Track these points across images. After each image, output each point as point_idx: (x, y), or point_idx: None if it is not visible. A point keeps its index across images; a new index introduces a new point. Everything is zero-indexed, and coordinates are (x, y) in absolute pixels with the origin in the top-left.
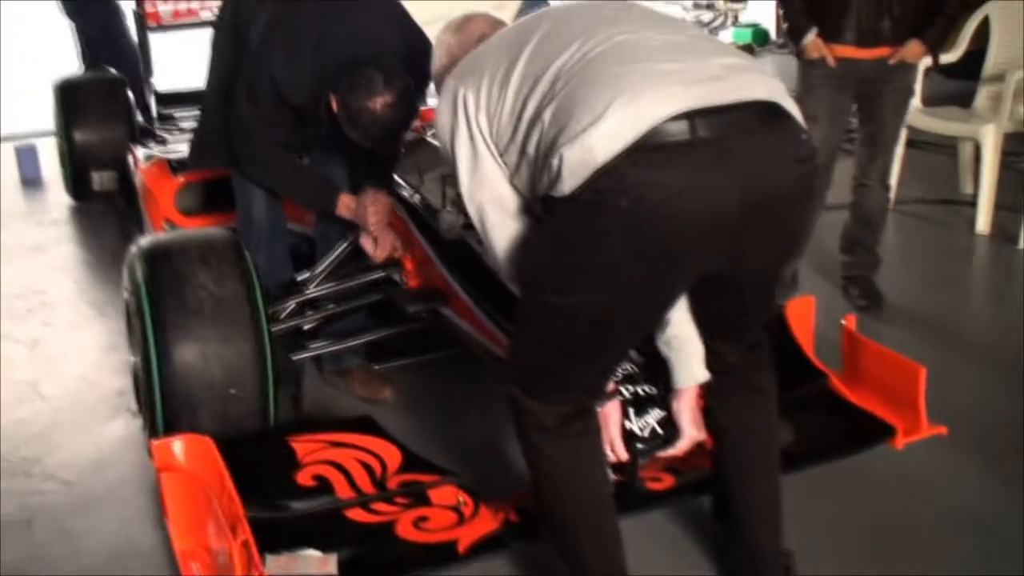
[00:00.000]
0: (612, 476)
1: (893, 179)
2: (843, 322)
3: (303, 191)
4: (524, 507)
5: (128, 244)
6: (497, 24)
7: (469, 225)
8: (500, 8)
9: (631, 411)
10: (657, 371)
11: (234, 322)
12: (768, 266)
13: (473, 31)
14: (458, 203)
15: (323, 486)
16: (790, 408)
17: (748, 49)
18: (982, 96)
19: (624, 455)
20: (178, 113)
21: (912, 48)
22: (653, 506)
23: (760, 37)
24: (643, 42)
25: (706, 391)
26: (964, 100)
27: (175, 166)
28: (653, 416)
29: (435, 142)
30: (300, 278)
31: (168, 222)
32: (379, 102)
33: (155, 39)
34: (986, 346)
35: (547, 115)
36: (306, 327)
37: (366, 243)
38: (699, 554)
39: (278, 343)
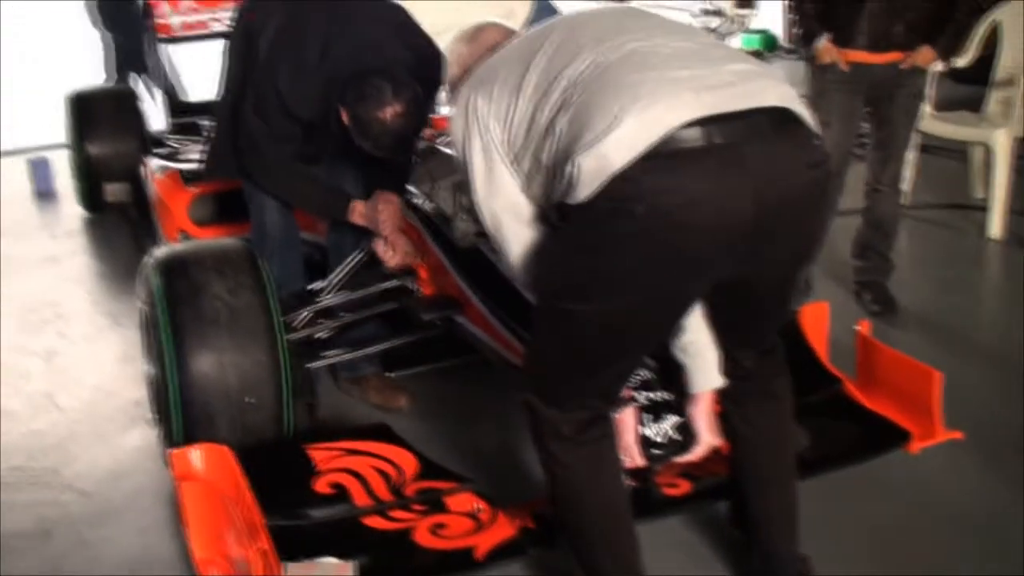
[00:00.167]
0: (628, 482)
1: (905, 184)
2: (857, 327)
3: (315, 201)
4: (541, 513)
5: (141, 255)
6: (509, 33)
7: (482, 233)
8: (510, 17)
9: (647, 417)
10: (673, 377)
11: (250, 331)
12: (783, 271)
13: (486, 40)
14: (471, 211)
15: (340, 494)
16: (805, 414)
17: (757, 55)
18: (993, 101)
19: (640, 461)
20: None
21: (924, 53)
22: (669, 512)
23: (769, 43)
24: (655, 50)
25: (722, 397)
26: (975, 105)
27: (188, 177)
28: (669, 422)
29: (447, 151)
30: (313, 287)
31: (182, 233)
32: (389, 111)
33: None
34: (1000, 350)
35: (561, 123)
36: (321, 336)
37: (379, 248)
38: (716, 559)
39: (293, 352)
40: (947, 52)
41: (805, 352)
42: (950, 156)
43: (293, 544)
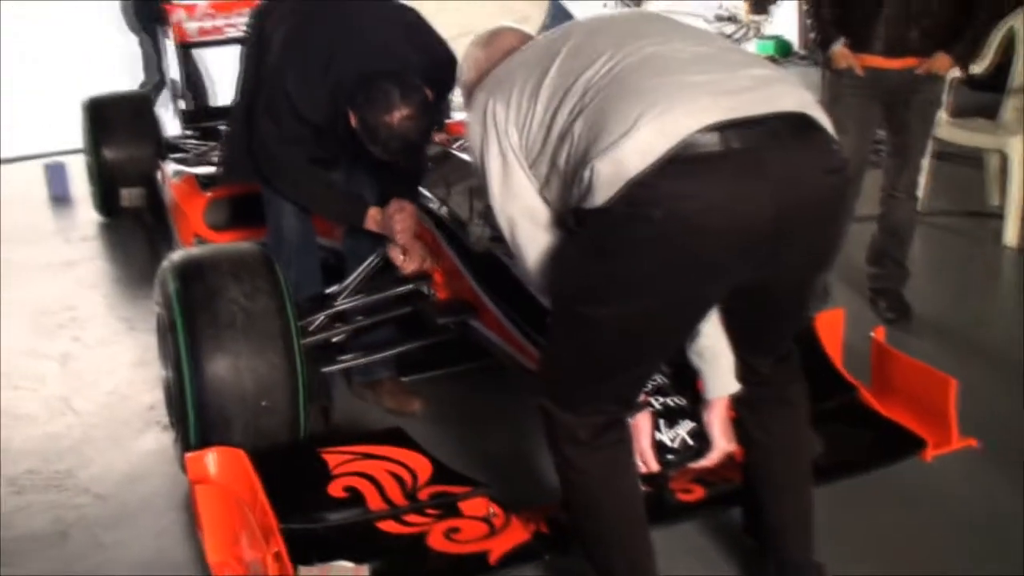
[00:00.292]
0: (642, 487)
1: (920, 191)
2: (873, 334)
3: (331, 206)
4: (555, 518)
5: (156, 260)
6: (526, 38)
7: (497, 237)
8: (524, 22)
9: (662, 422)
10: (687, 382)
11: (266, 335)
12: (801, 277)
13: (502, 45)
14: (486, 215)
15: (354, 497)
16: (820, 420)
17: (771, 61)
18: (1009, 108)
19: (655, 466)
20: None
21: (940, 59)
22: (683, 518)
23: (783, 49)
24: (673, 54)
25: (737, 402)
26: (991, 112)
27: (204, 182)
28: (684, 427)
29: (462, 155)
30: (329, 292)
31: (197, 237)
32: (396, 116)
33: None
34: (1015, 358)
35: (578, 127)
36: (336, 340)
37: (395, 254)
38: (729, 566)
39: (308, 356)
40: (963, 58)
41: (820, 359)
42: (965, 163)
43: (307, 548)
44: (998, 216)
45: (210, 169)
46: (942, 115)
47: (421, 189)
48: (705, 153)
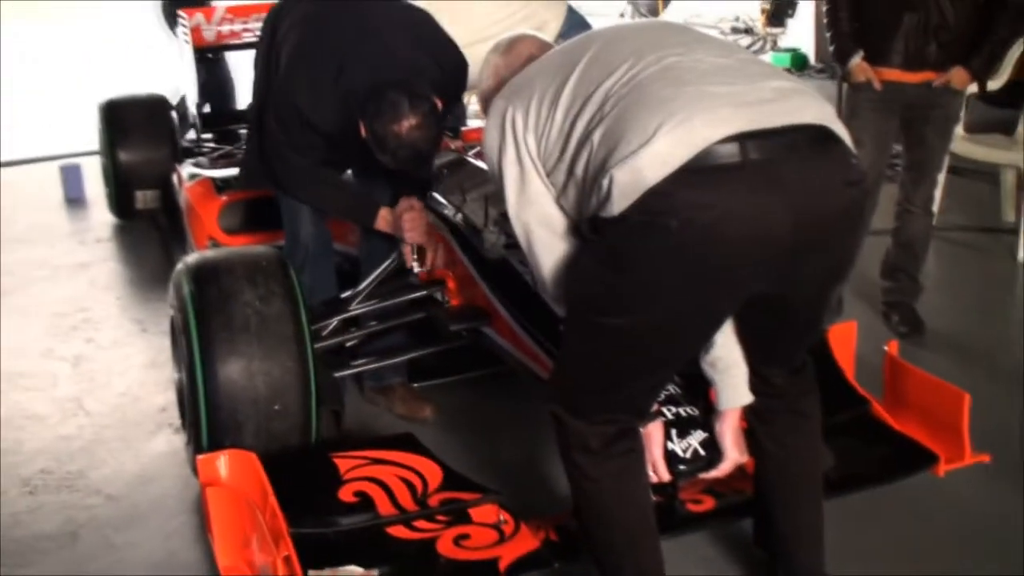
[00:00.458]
0: (653, 497)
1: (935, 206)
2: (886, 348)
3: (342, 206)
4: (565, 526)
5: (170, 262)
6: (545, 46)
7: (512, 244)
8: (542, 30)
9: (673, 432)
10: (700, 392)
11: (279, 339)
12: (817, 289)
13: (521, 52)
14: (500, 222)
15: (365, 502)
16: (832, 434)
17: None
18: None
19: (666, 476)
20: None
21: (957, 74)
22: (693, 528)
23: (799, 62)
24: (693, 65)
25: (749, 413)
26: (1007, 128)
27: (220, 185)
28: (695, 437)
29: (476, 162)
30: (343, 296)
31: (212, 240)
32: (405, 125)
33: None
34: None
35: (596, 136)
36: (349, 344)
37: (406, 253)
38: None
39: (321, 360)
40: (982, 73)
41: (833, 372)
42: (980, 178)
43: (317, 552)
44: (1012, 232)
45: (225, 172)
46: (958, 130)
47: (436, 195)
48: (723, 163)
